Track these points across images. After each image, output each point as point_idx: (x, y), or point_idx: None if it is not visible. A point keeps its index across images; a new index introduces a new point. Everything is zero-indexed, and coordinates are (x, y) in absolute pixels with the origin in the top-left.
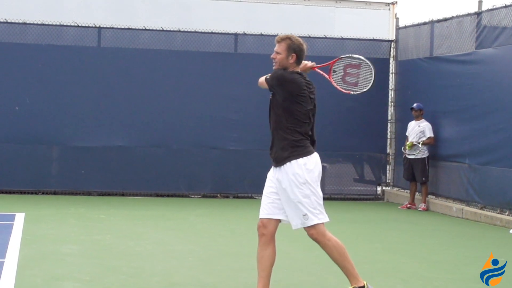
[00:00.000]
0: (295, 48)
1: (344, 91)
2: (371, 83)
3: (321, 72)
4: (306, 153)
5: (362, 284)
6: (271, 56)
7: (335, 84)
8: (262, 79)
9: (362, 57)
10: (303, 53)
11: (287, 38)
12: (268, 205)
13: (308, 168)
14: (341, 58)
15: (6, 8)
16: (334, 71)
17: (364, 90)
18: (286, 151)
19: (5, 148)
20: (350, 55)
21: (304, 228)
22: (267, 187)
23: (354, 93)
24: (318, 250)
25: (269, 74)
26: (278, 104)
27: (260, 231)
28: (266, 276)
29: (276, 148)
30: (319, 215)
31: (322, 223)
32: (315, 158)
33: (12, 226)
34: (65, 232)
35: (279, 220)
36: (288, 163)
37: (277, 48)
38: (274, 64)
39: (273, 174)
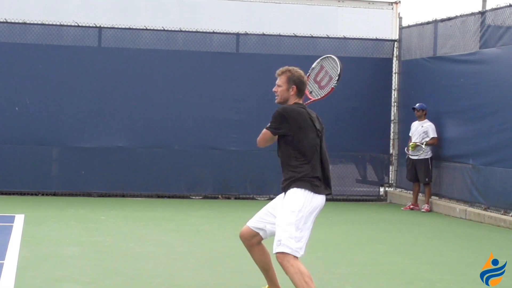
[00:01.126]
0: (295, 80)
1: (328, 92)
2: (338, 65)
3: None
4: (312, 189)
5: None
6: (273, 89)
7: (322, 96)
8: (261, 135)
9: (318, 59)
10: (304, 85)
11: (287, 71)
12: (257, 217)
13: (306, 201)
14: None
15: (6, 8)
16: (311, 92)
17: (338, 73)
18: (293, 182)
19: (5, 149)
20: (311, 68)
21: (278, 257)
22: (270, 203)
23: (335, 85)
24: (320, 251)
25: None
26: (286, 143)
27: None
28: (265, 276)
29: (285, 179)
30: (291, 246)
31: (294, 256)
32: (318, 199)
33: (11, 227)
34: (65, 233)
35: (258, 234)
36: (292, 189)
37: (278, 81)
38: (276, 97)
39: (279, 198)
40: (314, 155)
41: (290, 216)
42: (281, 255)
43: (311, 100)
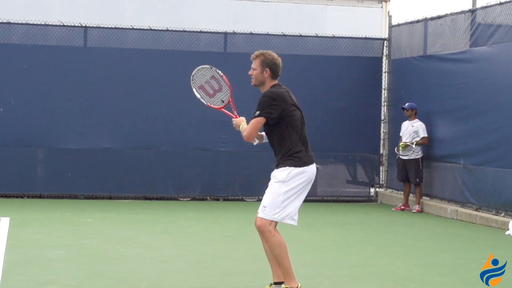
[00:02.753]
0: (268, 63)
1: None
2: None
3: (228, 113)
4: (301, 164)
5: (296, 285)
6: (249, 72)
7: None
8: (251, 125)
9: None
10: (278, 67)
11: (261, 55)
12: None
13: (292, 174)
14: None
15: None
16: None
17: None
18: (287, 159)
19: None
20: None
21: (257, 219)
22: None
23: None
24: (309, 254)
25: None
26: (279, 125)
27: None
28: (274, 264)
29: (278, 157)
30: (274, 214)
31: (274, 221)
32: (308, 169)
33: None
34: (51, 236)
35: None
36: (285, 166)
37: (252, 64)
38: (251, 80)
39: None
40: (303, 128)
41: (275, 186)
42: (260, 222)
43: (215, 107)
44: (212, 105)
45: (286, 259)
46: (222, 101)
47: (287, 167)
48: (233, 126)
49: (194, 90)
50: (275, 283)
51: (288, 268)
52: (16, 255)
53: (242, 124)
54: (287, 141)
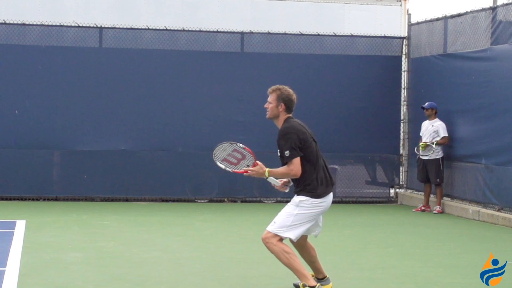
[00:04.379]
0: (284, 98)
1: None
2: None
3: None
4: (317, 196)
5: (314, 284)
6: (264, 105)
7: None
8: (294, 166)
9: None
10: (292, 102)
11: (277, 89)
12: None
13: (308, 202)
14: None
15: (4, 9)
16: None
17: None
18: (302, 191)
19: (5, 153)
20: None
21: (264, 232)
22: None
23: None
24: (329, 255)
25: (285, 153)
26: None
27: None
28: (311, 262)
29: (295, 187)
30: (279, 230)
31: (280, 237)
32: (324, 201)
33: (13, 233)
34: (67, 239)
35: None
36: (300, 195)
37: (269, 98)
38: (266, 113)
39: None
40: (318, 160)
41: (290, 206)
42: (268, 235)
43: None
44: (237, 170)
45: (295, 263)
46: (247, 166)
47: (305, 197)
48: (252, 174)
49: (217, 163)
50: (318, 279)
51: (300, 269)
52: (32, 258)
53: (268, 170)
54: (304, 175)
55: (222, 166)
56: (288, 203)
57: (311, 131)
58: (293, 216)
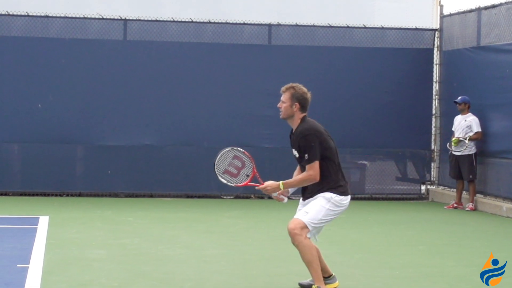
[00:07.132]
0: (298, 97)
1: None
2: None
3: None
4: (341, 192)
5: None
6: (278, 105)
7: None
8: (313, 170)
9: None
10: (307, 101)
11: (291, 88)
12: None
13: (337, 199)
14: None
15: (27, 1)
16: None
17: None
18: (322, 187)
19: (28, 148)
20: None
21: (292, 222)
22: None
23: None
24: (358, 254)
25: (305, 155)
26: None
27: None
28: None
29: (318, 188)
30: (311, 222)
31: (306, 228)
32: (346, 200)
33: (36, 229)
34: (91, 236)
35: None
36: (321, 193)
37: (282, 97)
38: (280, 113)
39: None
40: (338, 158)
41: (323, 201)
42: (299, 226)
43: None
44: (239, 184)
45: (316, 262)
46: (247, 176)
47: (334, 194)
48: (266, 191)
49: (219, 177)
50: (324, 278)
51: (319, 271)
52: (56, 255)
53: (281, 182)
54: (328, 174)
55: (224, 181)
56: (317, 198)
57: (327, 130)
58: (325, 210)
